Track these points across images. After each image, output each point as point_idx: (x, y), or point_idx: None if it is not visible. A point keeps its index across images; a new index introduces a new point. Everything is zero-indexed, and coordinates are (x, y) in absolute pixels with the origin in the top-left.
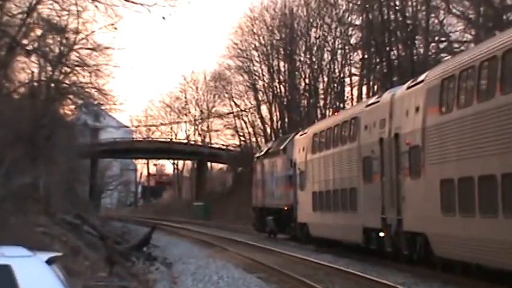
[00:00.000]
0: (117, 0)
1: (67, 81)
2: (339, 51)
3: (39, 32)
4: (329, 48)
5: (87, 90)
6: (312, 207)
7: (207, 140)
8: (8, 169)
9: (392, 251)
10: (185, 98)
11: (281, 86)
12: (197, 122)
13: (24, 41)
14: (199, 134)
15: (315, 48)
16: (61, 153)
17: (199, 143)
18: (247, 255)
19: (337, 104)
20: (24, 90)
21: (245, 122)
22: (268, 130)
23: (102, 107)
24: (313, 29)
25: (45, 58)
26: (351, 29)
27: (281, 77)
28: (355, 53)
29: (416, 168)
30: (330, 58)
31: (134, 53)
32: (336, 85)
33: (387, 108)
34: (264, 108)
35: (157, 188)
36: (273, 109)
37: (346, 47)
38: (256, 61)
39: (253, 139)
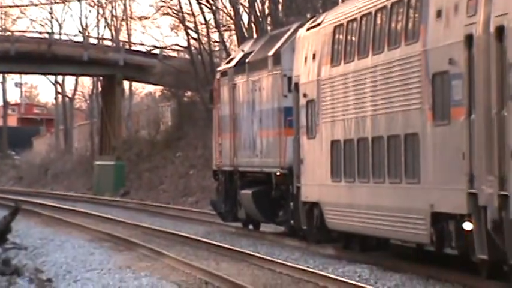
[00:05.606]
0: None
1: None
2: None
3: None
4: None
5: None
6: (331, 171)
7: (124, 36)
8: None
9: (488, 260)
10: None
11: None
12: (104, 1)
13: None
14: (108, 25)
15: None
16: None
17: (108, 43)
18: (201, 269)
19: None
20: None
21: (199, 1)
22: (246, 17)
23: None
24: None
25: None
26: None
27: None
28: None
29: None
30: None
31: None
32: None
33: None
34: None
35: (23, 132)
36: None
37: None
38: None
39: (215, 36)
